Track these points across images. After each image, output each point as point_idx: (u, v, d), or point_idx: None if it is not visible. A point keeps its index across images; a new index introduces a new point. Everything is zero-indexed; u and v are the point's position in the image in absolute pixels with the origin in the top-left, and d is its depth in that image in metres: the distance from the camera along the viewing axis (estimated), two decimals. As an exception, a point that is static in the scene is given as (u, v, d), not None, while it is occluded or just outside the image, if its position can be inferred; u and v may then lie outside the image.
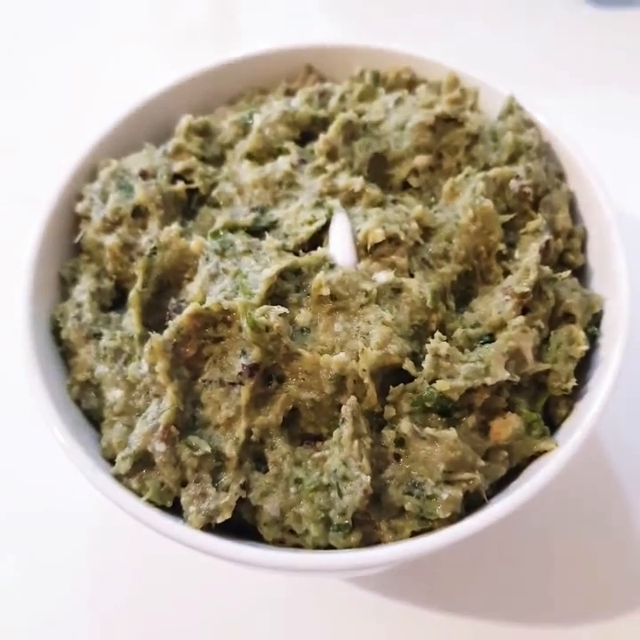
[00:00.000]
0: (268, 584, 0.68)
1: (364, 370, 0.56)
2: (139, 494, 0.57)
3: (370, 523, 0.56)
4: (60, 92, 1.06)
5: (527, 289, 0.59)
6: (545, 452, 0.58)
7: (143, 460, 0.57)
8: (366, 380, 0.56)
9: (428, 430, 0.55)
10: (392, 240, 0.62)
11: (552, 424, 0.61)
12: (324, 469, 0.56)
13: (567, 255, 0.67)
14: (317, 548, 0.56)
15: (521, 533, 0.69)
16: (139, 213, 0.67)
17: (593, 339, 0.63)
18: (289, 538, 0.57)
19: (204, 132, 0.73)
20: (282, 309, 0.57)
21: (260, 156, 0.70)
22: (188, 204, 0.69)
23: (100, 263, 0.68)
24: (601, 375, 0.60)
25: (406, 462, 0.56)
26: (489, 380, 0.56)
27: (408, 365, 0.57)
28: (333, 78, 0.80)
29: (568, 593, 0.68)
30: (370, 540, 0.56)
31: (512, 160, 0.68)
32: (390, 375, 0.57)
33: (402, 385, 0.57)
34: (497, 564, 0.69)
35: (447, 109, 0.68)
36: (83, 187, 0.71)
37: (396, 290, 0.60)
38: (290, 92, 0.78)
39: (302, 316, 0.59)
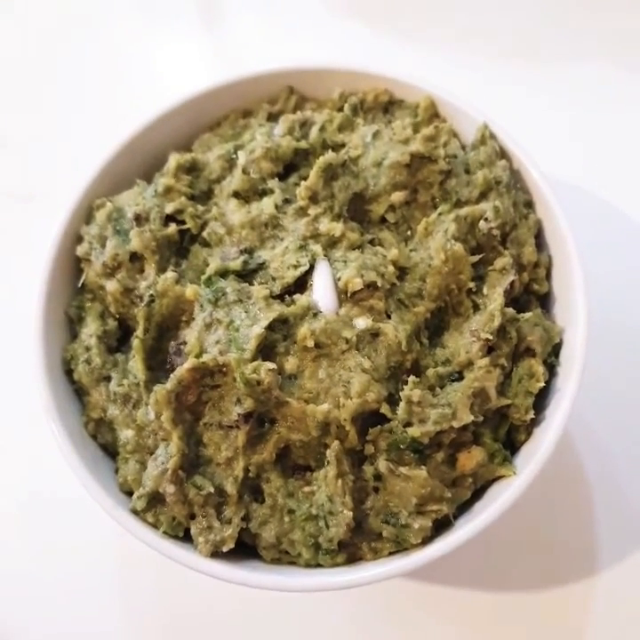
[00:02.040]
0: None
1: (345, 419, 0.63)
2: (154, 526, 0.66)
3: (353, 545, 0.65)
4: (55, 86, 1.07)
5: (491, 337, 0.65)
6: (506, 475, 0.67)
7: (156, 498, 0.65)
8: (348, 427, 0.63)
9: (402, 469, 0.63)
10: (370, 286, 0.67)
11: (513, 446, 0.70)
12: (313, 502, 0.65)
13: (532, 284, 0.73)
14: (309, 566, 0.66)
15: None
16: (136, 258, 0.72)
17: (552, 368, 0.70)
18: (285, 557, 0.66)
19: (192, 168, 0.76)
20: (271, 365, 0.64)
21: (246, 194, 0.74)
22: (180, 243, 0.74)
23: (103, 302, 0.74)
24: (557, 405, 0.67)
25: (384, 495, 0.65)
26: (455, 424, 0.63)
27: (385, 409, 0.64)
28: (315, 97, 0.82)
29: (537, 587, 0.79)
30: (354, 558, 0.66)
31: (483, 196, 0.72)
32: (369, 417, 0.65)
33: (379, 426, 0.65)
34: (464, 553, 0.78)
35: (421, 148, 0.71)
36: (81, 227, 0.75)
37: (374, 334, 0.67)
38: (272, 116, 0.81)
39: (290, 364, 0.66)
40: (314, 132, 0.76)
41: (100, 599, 0.80)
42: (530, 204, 0.75)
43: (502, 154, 0.75)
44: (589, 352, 0.68)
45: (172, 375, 0.65)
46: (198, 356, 0.65)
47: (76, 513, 0.78)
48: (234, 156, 0.76)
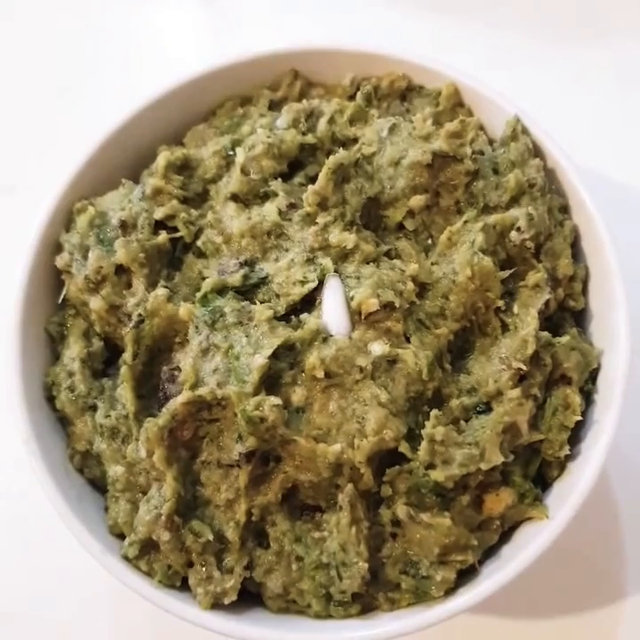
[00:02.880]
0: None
1: (360, 461, 0.56)
2: (148, 575, 0.60)
3: (368, 595, 0.59)
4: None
5: (524, 367, 0.58)
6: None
7: (150, 545, 0.59)
8: (362, 469, 0.57)
9: (423, 516, 0.57)
10: (387, 306, 0.60)
11: (544, 481, 0.63)
12: (324, 549, 0.59)
13: (568, 300, 0.65)
14: (319, 617, 0.60)
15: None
16: (122, 271, 0.64)
17: (588, 395, 0.63)
18: (292, 607, 0.60)
19: (184, 166, 0.68)
20: (276, 401, 0.56)
21: (245, 197, 0.65)
22: (172, 253, 0.66)
23: (87, 319, 0.67)
24: (594, 440, 0.60)
25: (402, 542, 0.58)
26: (484, 466, 0.57)
27: (403, 448, 0.57)
28: (323, 83, 0.73)
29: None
30: (368, 609, 0.60)
31: (514, 200, 0.64)
32: (387, 455, 0.58)
33: (398, 467, 0.58)
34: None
35: (445, 146, 0.63)
36: (60, 233, 0.67)
37: (392, 361, 0.59)
38: (274, 104, 0.72)
39: (297, 396, 0.59)
40: (322, 125, 0.68)
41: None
42: (565, 209, 0.67)
43: (535, 151, 0.67)
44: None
45: (164, 409, 0.58)
46: (194, 386, 0.58)
47: (64, 554, 0.71)
48: (231, 152, 0.67)
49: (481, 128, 0.68)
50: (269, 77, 0.73)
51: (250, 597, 0.61)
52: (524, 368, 0.58)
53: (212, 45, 0.94)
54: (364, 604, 0.59)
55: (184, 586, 0.60)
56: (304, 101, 0.70)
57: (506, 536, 0.62)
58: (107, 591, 0.74)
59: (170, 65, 0.83)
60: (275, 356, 0.58)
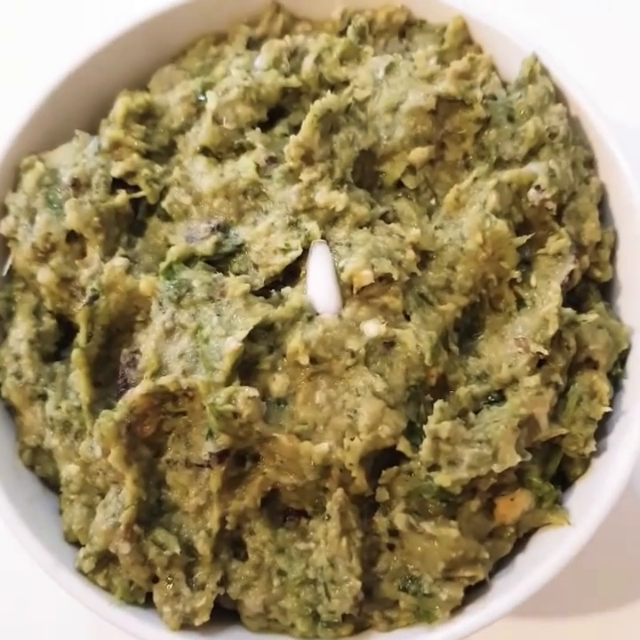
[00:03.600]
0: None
1: (351, 463, 0.48)
2: (107, 590, 0.52)
3: (361, 614, 0.51)
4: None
5: (544, 350, 0.49)
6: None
7: (107, 557, 0.51)
8: (354, 472, 0.48)
9: (426, 526, 0.49)
10: (383, 279, 0.51)
11: (564, 478, 0.55)
12: (310, 563, 0.51)
13: (593, 270, 0.57)
14: (305, 638, 0.52)
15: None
16: (74, 237, 0.56)
17: (616, 380, 0.55)
18: (274, 626, 0.53)
19: (147, 114, 0.58)
20: (252, 391, 0.48)
21: (217, 151, 0.57)
22: (133, 215, 0.57)
23: (37, 293, 0.58)
24: (623, 433, 0.52)
25: (401, 555, 0.51)
26: (497, 468, 0.48)
27: (403, 446, 0.49)
28: (309, 17, 0.64)
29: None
30: (361, 628, 0.52)
31: (532, 153, 0.55)
32: (383, 453, 0.50)
33: (396, 467, 0.50)
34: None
35: (452, 88, 0.54)
36: (5, 194, 0.58)
37: (389, 344, 0.51)
38: (252, 43, 0.63)
39: (277, 384, 0.50)
40: (307, 65, 0.59)
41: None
42: (591, 163, 0.58)
43: (557, 96, 0.57)
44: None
45: (121, 401, 0.50)
46: (156, 374, 0.50)
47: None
48: (202, 97, 0.58)
49: (493, 68, 0.59)
50: (247, 11, 0.64)
51: (225, 615, 0.53)
52: (545, 352, 0.50)
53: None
54: (357, 623, 0.52)
55: (150, 602, 0.52)
56: (287, 38, 0.61)
57: (520, 543, 0.54)
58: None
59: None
60: (251, 338, 0.50)
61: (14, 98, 0.60)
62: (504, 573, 0.53)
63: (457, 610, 0.51)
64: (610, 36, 0.77)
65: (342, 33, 0.62)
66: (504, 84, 0.59)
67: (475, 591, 0.52)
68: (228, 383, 0.48)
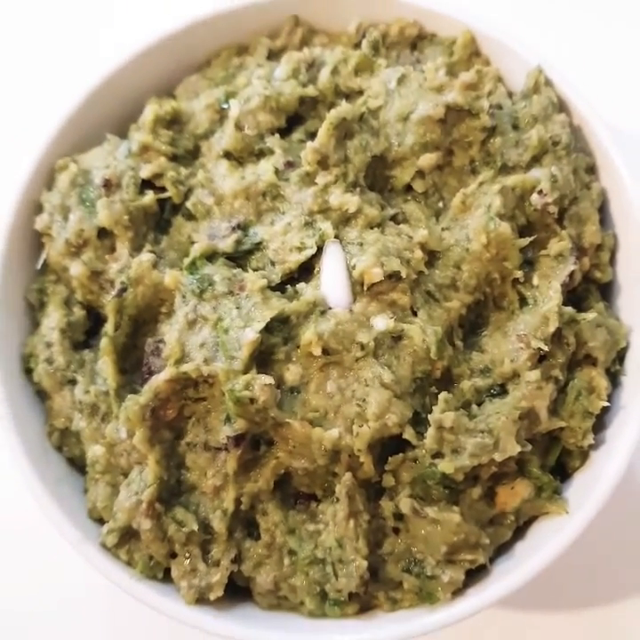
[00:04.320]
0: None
1: (359, 449, 0.51)
2: (128, 564, 0.55)
3: (367, 593, 0.54)
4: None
5: (544, 346, 0.52)
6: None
7: (130, 533, 0.54)
8: (362, 457, 0.51)
9: (429, 511, 0.52)
10: (392, 277, 0.54)
11: (564, 470, 0.57)
12: (319, 543, 0.54)
13: (594, 271, 0.59)
14: (313, 616, 0.55)
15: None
16: (105, 234, 0.59)
17: (614, 376, 0.57)
18: (284, 603, 0.55)
19: (174, 120, 0.62)
20: (267, 379, 0.51)
21: (239, 155, 0.60)
22: (160, 214, 0.61)
23: (69, 286, 0.62)
24: (621, 427, 0.55)
25: (406, 538, 0.53)
26: (498, 457, 0.51)
27: (408, 434, 0.52)
28: (326, 30, 0.67)
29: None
30: (367, 608, 0.55)
31: (535, 160, 0.58)
32: (389, 441, 0.53)
33: (401, 454, 0.53)
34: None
35: (460, 99, 0.57)
36: (41, 193, 0.62)
37: (397, 338, 0.54)
38: (273, 54, 0.66)
39: (291, 374, 0.53)
40: (324, 76, 0.62)
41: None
42: (593, 170, 0.61)
43: (560, 106, 0.60)
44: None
45: (146, 386, 0.53)
46: (178, 362, 0.53)
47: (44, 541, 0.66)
48: (225, 105, 0.62)
49: (500, 79, 0.62)
50: (268, 24, 0.67)
51: (238, 592, 0.56)
52: (545, 348, 0.53)
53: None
54: (363, 602, 0.54)
55: (168, 577, 0.55)
56: (305, 50, 0.64)
57: (520, 532, 0.56)
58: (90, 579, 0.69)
59: (161, 11, 0.76)
60: (267, 329, 0.53)
61: (50, 104, 0.63)
62: (504, 559, 0.55)
63: (458, 592, 0.53)
64: (610, 48, 0.80)
65: (357, 45, 0.65)
66: (510, 94, 0.62)
67: (475, 575, 0.54)
68: (245, 371, 0.52)
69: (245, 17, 0.65)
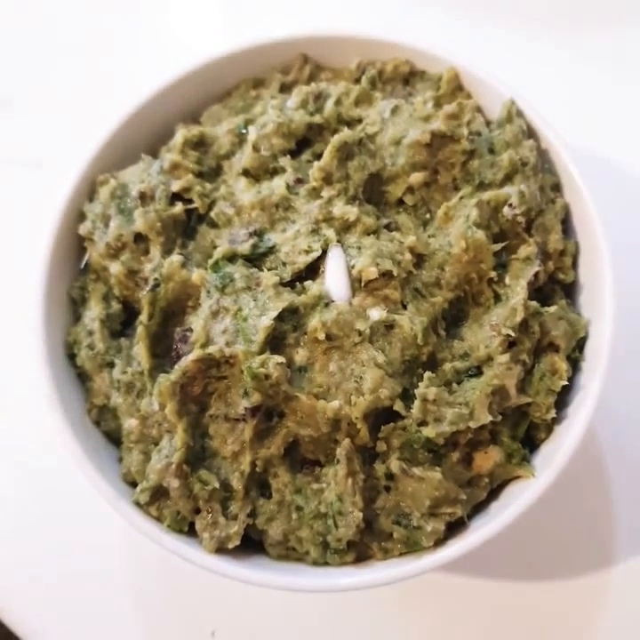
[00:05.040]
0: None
1: (356, 417, 0.60)
2: (158, 520, 0.64)
3: (363, 544, 0.63)
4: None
5: (512, 333, 0.62)
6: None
7: (160, 492, 0.63)
8: (359, 425, 0.61)
9: (415, 470, 0.61)
10: (385, 275, 0.64)
11: (533, 443, 0.67)
12: (322, 500, 0.63)
13: (558, 273, 0.69)
14: (317, 564, 0.64)
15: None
16: (140, 239, 0.69)
17: (576, 362, 0.67)
18: (292, 554, 0.64)
19: (200, 143, 0.72)
20: (280, 359, 0.61)
21: (256, 172, 0.70)
22: (187, 223, 0.71)
23: (107, 283, 0.71)
24: (580, 404, 0.64)
25: (396, 495, 0.62)
26: (472, 424, 0.60)
27: (398, 406, 0.61)
28: (331, 66, 0.77)
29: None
30: (362, 557, 0.64)
31: (508, 178, 0.68)
32: (382, 413, 0.62)
33: (392, 424, 0.62)
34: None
35: (443, 126, 0.67)
36: (83, 203, 0.72)
37: (389, 326, 0.63)
38: (285, 87, 0.76)
39: (300, 356, 0.63)
40: (329, 106, 0.72)
41: (108, 590, 0.79)
42: (557, 187, 0.71)
43: (530, 132, 0.70)
44: (617, 341, 0.65)
45: (176, 366, 0.63)
46: (204, 346, 0.63)
47: (81, 503, 0.76)
48: (244, 130, 0.72)
49: (479, 110, 0.72)
50: (281, 61, 0.77)
51: (252, 545, 0.65)
52: (513, 334, 0.62)
53: (229, 30, 0.99)
54: (359, 552, 0.63)
55: (191, 532, 0.64)
56: (313, 84, 0.74)
57: (494, 494, 0.65)
58: (121, 536, 0.79)
59: (190, 48, 0.87)
60: (280, 318, 0.62)
61: (92, 127, 0.74)
62: (479, 516, 0.64)
63: (440, 542, 0.62)
64: (577, 83, 0.91)
65: (357, 80, 0.75)
66: (488, 123, 0.71)
67: (456, 530, 0.63)
68: (261, 352, 0.61)
69: (261, 54, 0.75)
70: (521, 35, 0.95)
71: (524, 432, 0.66)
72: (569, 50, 0.94)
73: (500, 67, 0.75)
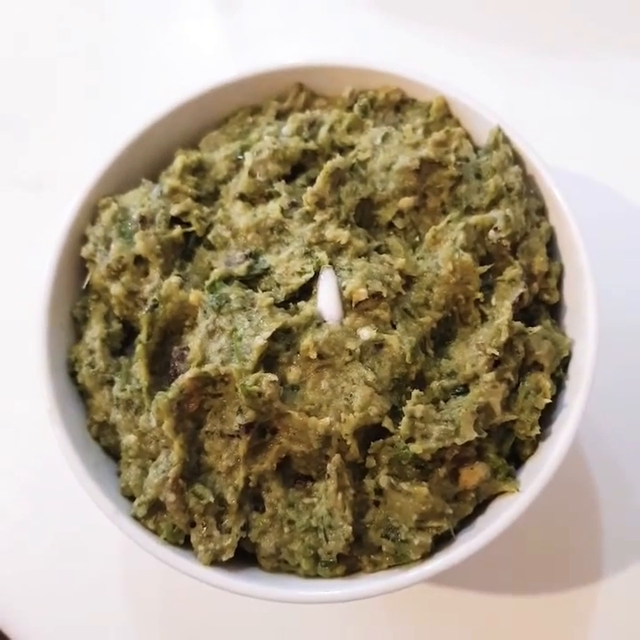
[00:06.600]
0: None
1: (346, 434, 0.63)
2: (155, 533, 0.66)
3: (353, 557, 0.65)
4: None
5: (497, 352, 0.64)
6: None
7: (157, 506, 0.66)
8: (349, 441, 0.63)
9: (403, 485, 0.63)
10: (375, 296, 0.66)
11: (518, 459, 0.69)
12: (313, 514, 0.65)
13: (543, 294, 0.71)
14: (308, 576, 0.66)
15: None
16: (140, 261, 0.72)
17: (560, 381, 0.69)
18: (284, 567, 0.66)
19: (198, 168, 0.75)
20: (272, 377, 0.63)
21: (252, 197, 0.72)
22: (185, 244, 0.73)
23: (108, 303, 0.74)
24: (563, 421, 0.66)
25: (384, 509, 0.64)
26: (458, 441, 0.62)
27: (387, 423, 0.64)
28: (325, 94, 0.80)
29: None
30: (352, 570, 0.66)
31: (494, 203, 0.70)
32: (372, 429, 0.64)
33: (381, 440, 0.64)
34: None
35: (432, 153, 0.69)
36: (85, 227, 0.75)
37: (379, 345, 0.66)
38: (281, 114, 0.79)
39: (292, 374, 0.65)
40: (322, 133, 0.74)
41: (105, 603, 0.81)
42: (543, 211, 0.73)
43: (515, 158, 0.73)
44: (601, 358, 0.67)
45: (173, 383, 0.65)
46: (200, 364, 0.65)
47: (80, 517, 0.78)
48: (240, 156, 0.74)
49: (467, 136, 0.74)
50: (277, 90, 0.79)
51: (245, 557, 0.67)
52: (497, 354, 0.64)
53: (226, 58, 1.02)
54: (349, 565, 0.65)
55: (186, 544, 0.66)
56: (307, 112, 0.77)
57: (480, 508, 0.67)
58: (119, 550, 0.81)
59: (188, 76, 0.90)
60: (273, 338, 0.65)
61: (91, 154, 0.76)
62: (466, 530, 0.66)
63: (427, 555, 0.64)
64: (564, 109, 0.94)
65: (350, 108, 0.78)
66: (475, 149, 0.74)
67: (443, 544, 0.65)
68: (254, 371, 0.63)
69: (258, 83, 0.78)
70: (510, 62, 0.98)
71: (510, 448, 0.68)
72: (559, 77, 0.97)
73: (487, 91, 0.78)
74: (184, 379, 0.64)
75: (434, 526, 0.63)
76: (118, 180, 0.77)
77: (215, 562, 0.65)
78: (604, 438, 0.83)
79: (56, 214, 0.75)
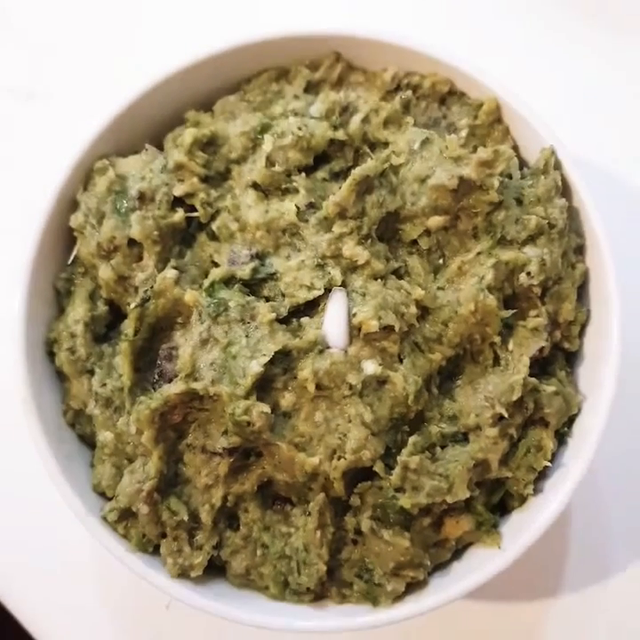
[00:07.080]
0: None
1: (335, 477, 0.59)
2: (124, 537, 0.64)
3: (322, 586, 0.64)
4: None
5: (505, 413, 0.60)
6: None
7: (128, 513, 0.63)
8: (336, 483, 0.60)
9: (385, 533, 0.61)
10: (386, 328, 0.61)
11: (504, 507, 0.66)
12: (288, 543, 0.63)
13: (563, 342, 0.66)
14: (275, 599, 0.64)
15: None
16: (134, 243, 0.65)
17: (563, 437, 0.66)
18: (252, 585, 0.65)
19: (210, 142, 0.66)
20: (265, 408, 0.59)
21: (267, 188, 0.65)
22: (186, 228, 0.66)
23: (95, 280, 0.68)
24: (558, 484, 0.63)
25: (362, 550, 0.63)
26: (449, 499, 0.60)
27: (378, 468, 0.60)
28: (364, 68, 0.70)
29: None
30: (320, 597, 0.65)
31: (531, 239, 0.63)
32: (361, 470, 0.61)
33: (369, 482, 0.61)
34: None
35: (474, 174, 0.61)
36: (78, 189, 0.67)
37: (382, 382, 0.61)
38: (311, 86, 0.70)
39: (286, 401, 0.61)
40: (355, 122, 0.66)
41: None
42: (581, 249, 0.67)
43: (563, 186, 0.65)
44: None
45: (157, 394, 0.61)
46: (189, 376, 0.60)
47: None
48: (259, 136, 0.66)
49: (514, 148, 0.67)
50: (309, 55, 0.69)
51: (215, 568, 0.65)
52: (506, 414, 0.60)
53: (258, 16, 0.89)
54: (317, 593, 0.64)
55: (157, 552, 0.64)
56: (341, 93, 0.68)
57: (458, 552, 0.66)
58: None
59: (215, 31, 0.79)
60: (270, 361, 0.60)
61: (95, 104, 0.68)
62: (441, 575, 0.64)
63: (398, 599, 0.64)
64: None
65: (390, 93, 0.69)
66: (521, 166, 0.67)
67: (416, 586, 0.64)
68: (246, 397, 0.59)
69: (290, 46, 0.68)
70: (565, 54, 0.87)
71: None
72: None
73: (548, 95, 0.69)
74: (170, 392, 0.60)
75: (409, 575, 0.62)
76: (118, 140, 0.68)
77: (183, 574, 0.63)
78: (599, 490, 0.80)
79: (46, 129, 0.67)
